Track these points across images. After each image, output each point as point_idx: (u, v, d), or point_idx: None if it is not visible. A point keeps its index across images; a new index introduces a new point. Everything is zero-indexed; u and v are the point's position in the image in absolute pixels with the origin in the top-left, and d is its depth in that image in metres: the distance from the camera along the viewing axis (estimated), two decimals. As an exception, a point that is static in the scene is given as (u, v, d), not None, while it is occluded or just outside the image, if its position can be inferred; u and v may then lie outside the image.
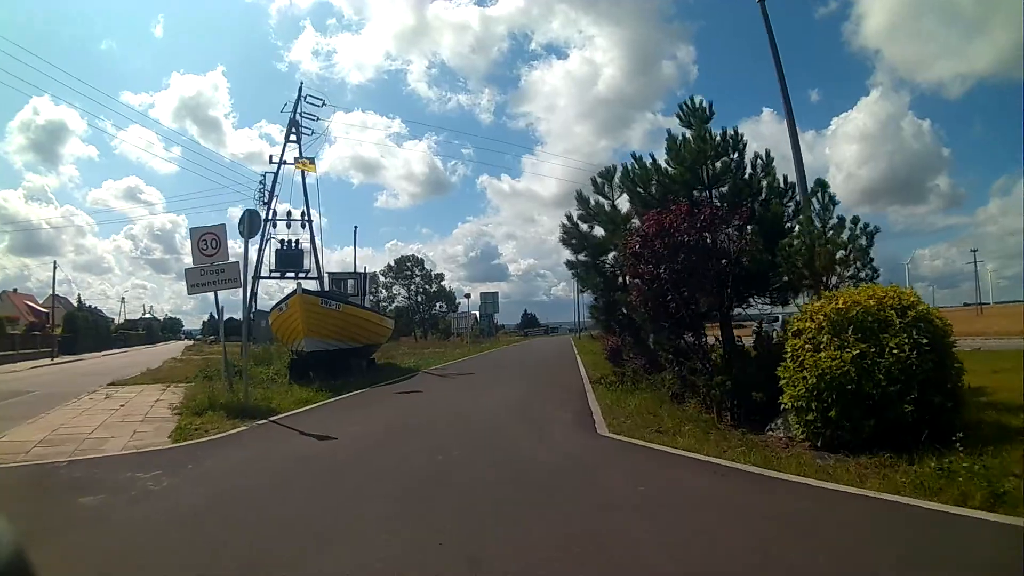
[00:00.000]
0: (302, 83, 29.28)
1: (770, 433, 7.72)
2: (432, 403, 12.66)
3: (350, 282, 25.97)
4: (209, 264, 12.63)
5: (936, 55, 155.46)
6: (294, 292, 18.32)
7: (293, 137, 30.82)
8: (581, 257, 17.41)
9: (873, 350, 6.31)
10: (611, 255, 17.12)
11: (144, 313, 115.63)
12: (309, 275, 30.31)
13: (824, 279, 8.57)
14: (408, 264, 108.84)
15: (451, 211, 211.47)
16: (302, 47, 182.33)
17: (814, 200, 9.39)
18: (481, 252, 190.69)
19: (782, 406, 7.36)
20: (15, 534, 1.16)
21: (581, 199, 17.42)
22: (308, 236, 31.05)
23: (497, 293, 63.50)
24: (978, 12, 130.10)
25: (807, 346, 6.77)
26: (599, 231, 17.46)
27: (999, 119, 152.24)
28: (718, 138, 11.25)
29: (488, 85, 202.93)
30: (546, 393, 13.45)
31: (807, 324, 6.97)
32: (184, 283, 13.64)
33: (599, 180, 17.32)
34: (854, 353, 6.30)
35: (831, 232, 8.87)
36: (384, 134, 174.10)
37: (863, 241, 8.74)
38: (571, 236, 17.48)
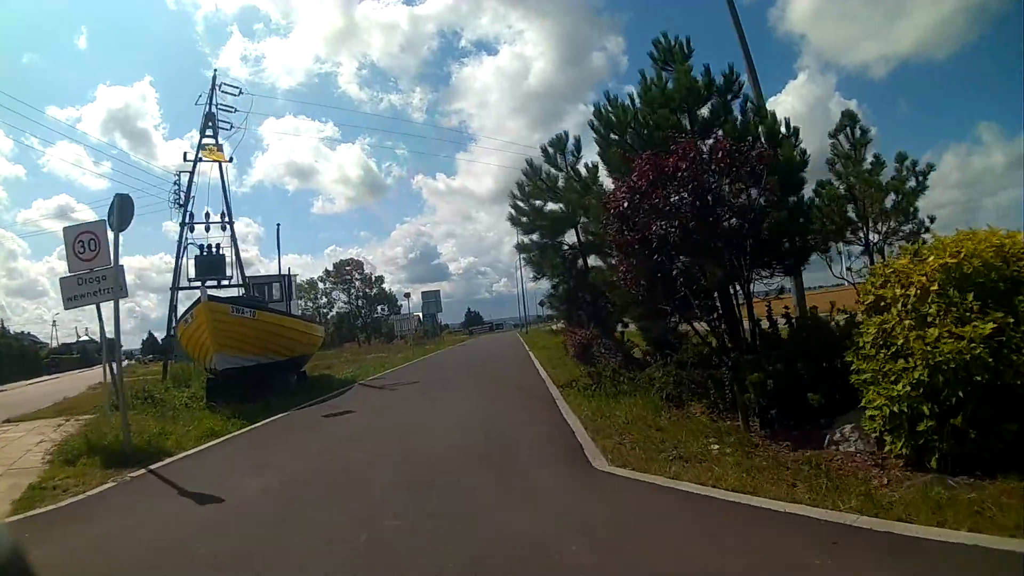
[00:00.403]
0: (216, 71, 25.50)
1: (836, 448, 5.57)
2: (365, 431, 10.04)
3: (274, 286, 22.90)
4: (88, 271, 10.08)
5: (860, 37, 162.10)
6: (198, 300, 15.38)
7: (209, 132, 27.38)
8: (534, 238, 15.15)
9: (1011, 321, 4.22)
10: (571, 233, 15.06)
11: (79, 336, 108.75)
12: (232, 282, 27.19)
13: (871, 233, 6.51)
14: (347, 268, 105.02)
15: (388, 213, 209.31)
16: (230, 53, 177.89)
17: (840, 137, 7.37)
18: (420, 253, 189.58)
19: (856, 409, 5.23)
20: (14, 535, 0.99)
21: (532, 170, 15.13)
22: (230, 239, 27.78)
23: (439, 292, 60.53)
24: None
25: (907, 322, 4.61)
26: (553, 207, 15.29)
27: (921, 96, 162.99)
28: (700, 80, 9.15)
29: (419, 84, 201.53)
30: (507, 404, 11.06)
31: (897, 291, 4.80)
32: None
33: (550, 150, 15.13)
34: (986, 329, 4.18)
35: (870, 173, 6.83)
36: (317, 138, 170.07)
37: (911, 183, 6.74)
38: (521, 213, 15.20)
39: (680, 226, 6.40)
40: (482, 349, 38.48)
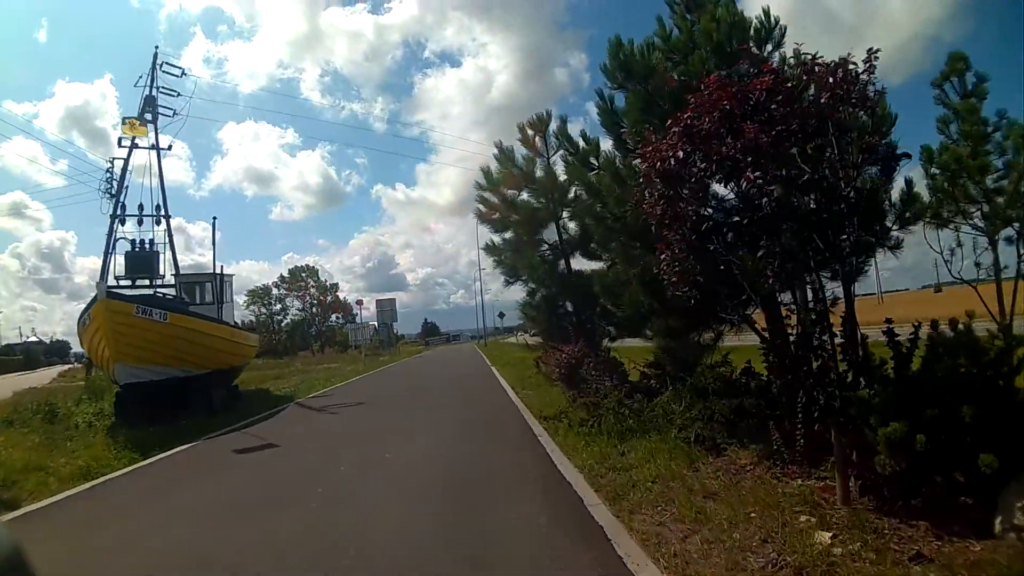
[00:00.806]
0: (157, 48, 22.25)
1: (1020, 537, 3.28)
2: (281, 482, 7.31)
3: (205, 287, 19.90)
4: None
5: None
6: (95, 297, 12.52)
7: (149, 116, 24.24)
8: (507, 236, 12.71)
9: None
10: (550, 231, 12.76)
11: (23, 337, 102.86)
12: (166, 282, 24.03)
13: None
14: (302, 275, 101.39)
15: (347, 222, 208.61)
16: (193, 54, 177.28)
17: (947, 86, 5.21)
18: (378, 262, 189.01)
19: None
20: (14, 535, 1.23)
21: (503, 155, 12.75)
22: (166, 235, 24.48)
23: (395, 300, 57.25)
24: (857, 20, 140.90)
25: None
26: (529, 198, 12.95)
27: None
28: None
29: (382, 93, 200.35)
30: (476, 445, 8.43)
31: None
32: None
33: (529, 131, 12.79)
34: None
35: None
36: (278, 144, 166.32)
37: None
38: (490, 207, 12.79)
39: (788, 182, 4.00)
40: (440, 362, 35.74)
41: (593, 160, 8.86)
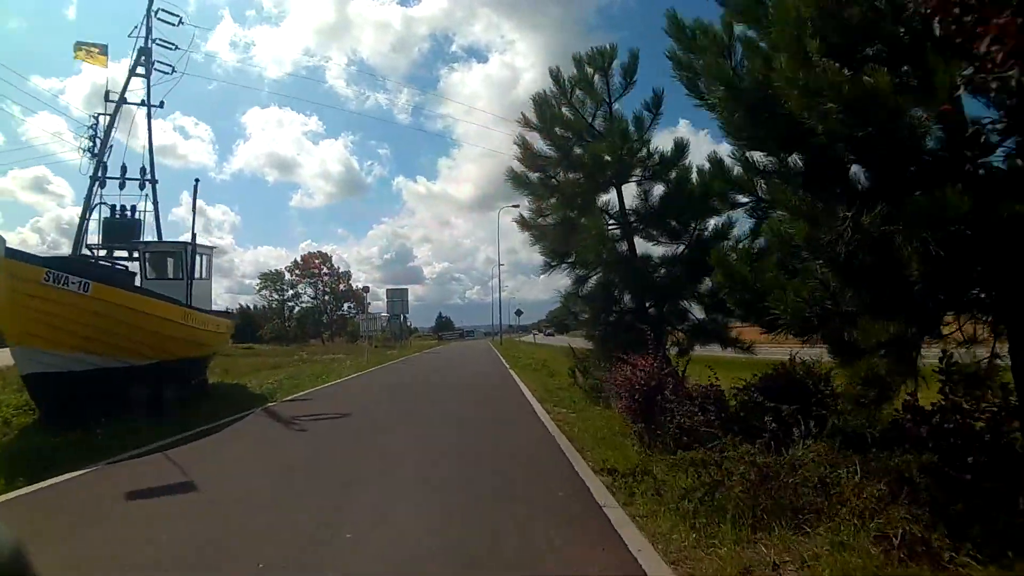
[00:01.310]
0: None
1: None
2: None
3: (175, 259, 16.66)
4: None
5: None
6: (-7, 258, 9.30)
7: (142, 70, 21.06)
8: (552, 201, 9.34)
9: None
10: (609, 197, 9.37)
11: None
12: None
13: None
14: (315, 261, 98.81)
15: (366, 212, 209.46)
16: (220, 37, 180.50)
17: None
18: (396, 254, 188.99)
19: None
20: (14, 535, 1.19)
21: (556, 93, 9.38)
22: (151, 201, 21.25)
23: (407, 290, 53.74)
24: None
25: None
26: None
27: None
28: None
29: (407, 85, 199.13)
30: (494, 527, 4.85)
31: None
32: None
33: (588, 69, 9.44)
34: None
35: None
36: (301, 131, 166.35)
37: None
38: (532, 164, 9.42)
39: None
40: (452, 361, 32.37)
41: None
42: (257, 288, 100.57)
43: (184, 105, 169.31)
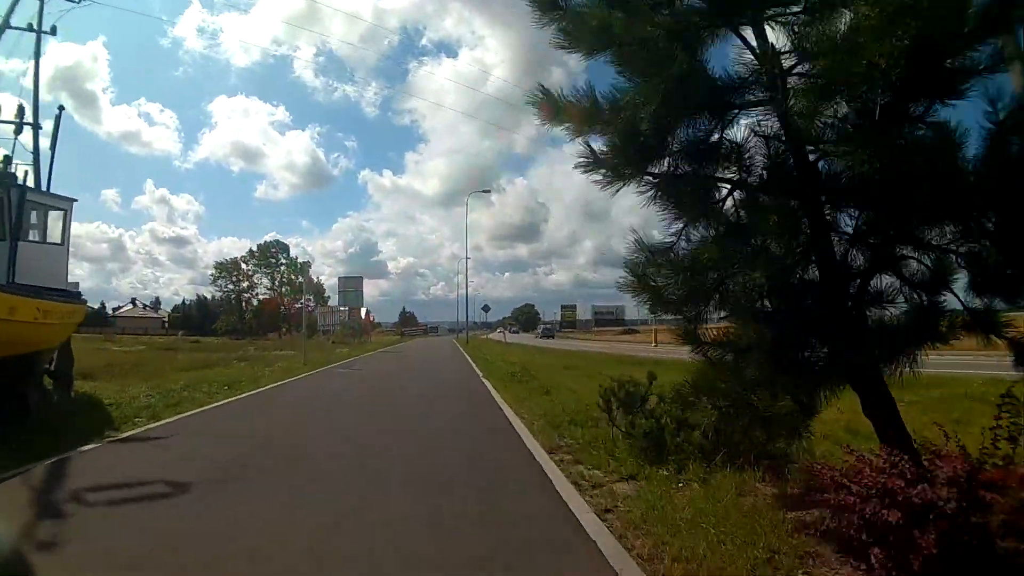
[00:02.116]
0: None
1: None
2: None
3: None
4: None
5: None
6: None
7: None
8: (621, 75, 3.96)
9: None
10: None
11: None
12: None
13: None
14: (272, 250, 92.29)
15: (332, 205, 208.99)
16: (188, 23, 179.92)
17: None
18: (361, 248, 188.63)
19: None
20: (14, 535, 1.21)
21: None
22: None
23: (360, 279, 47.22)
24: None
25: None
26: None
27: None
28: None
29: (375, 78, 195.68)
30: None
31: None
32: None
33: None
34: None
35: None
36: (267, 121, 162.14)
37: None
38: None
39: None
40: (411, 364, 26.95)
41: None
42: (212, 278, 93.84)
43: (149, 91, 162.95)
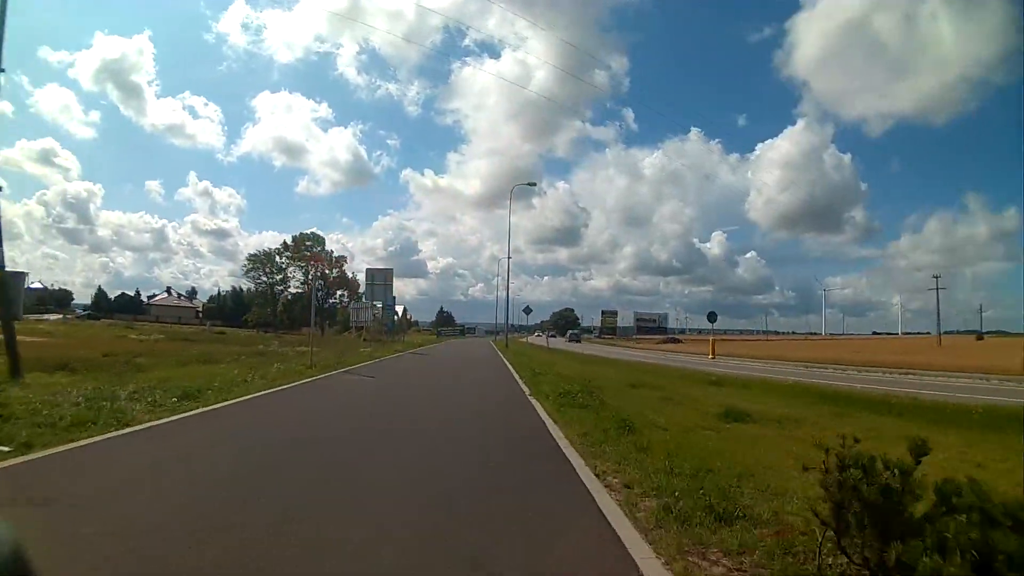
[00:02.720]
0: None
1: None
2: None
3: None
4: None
5: (860, 91, 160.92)
6: None
7: None
8: None
9: None
10: None
11: (28, 283, 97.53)
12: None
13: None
14: (307, 244, 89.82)
15: (372, 203, 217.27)
16: (231, 19, 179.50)
17: None
18: (401, 247, 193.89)
19: None
20: (15, 534, 1.17)
21: None
22: None
23: (390, 271, 43.13)
24: (904, 54, 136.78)
25: None
26: None
27: (914, 159, 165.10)
28: None
29: (418, 77, 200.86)
30: None
31: None
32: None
33: None
34: None
35: None
36: (310, 117, 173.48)
37: None
38: None
39: None
40: (441, 374, 22.95)
41: None
42: (245, 269, 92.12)
43: (193, 85, 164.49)
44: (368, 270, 39.73)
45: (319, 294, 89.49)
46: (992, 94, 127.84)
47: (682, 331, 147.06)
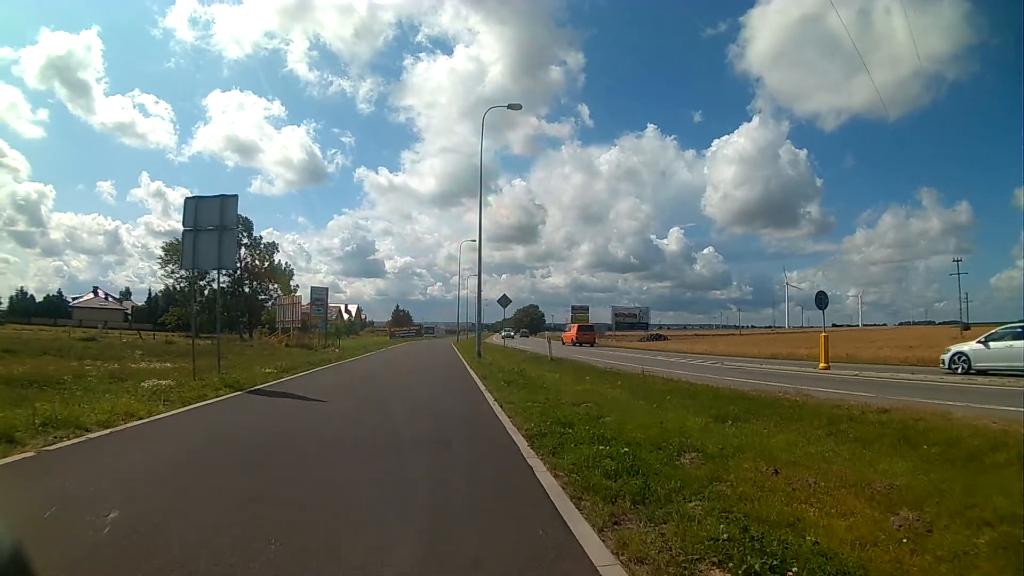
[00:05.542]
0: None
1: None
2: None
3: None
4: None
5: (815, 87, 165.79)
6: None
7: None
8: None
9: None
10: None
11: None
12: None
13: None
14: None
15: (327, 202, 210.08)
16: (179, 13, 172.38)
17: None
18: (357, 246, 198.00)
19: None
20: (15, 534, 1.17)
21: None
22: None
23: (327, 289, 34.61)
24: (858, 49, 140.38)
25: None
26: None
27: (869, 154, 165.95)
28: None
29: (371, 74, 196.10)
30: None
31: None
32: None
33: None
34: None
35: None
36: (262, 115, 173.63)
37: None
38: None
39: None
40: (383, 398, 14.42)
41: None
42: (160, 264, 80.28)
43: (142, 82, 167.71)
44: (313, 287, 31.73)
45: (247, 289, 78.67)
46: (945, 90, 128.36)
47: (667, 327, 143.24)
